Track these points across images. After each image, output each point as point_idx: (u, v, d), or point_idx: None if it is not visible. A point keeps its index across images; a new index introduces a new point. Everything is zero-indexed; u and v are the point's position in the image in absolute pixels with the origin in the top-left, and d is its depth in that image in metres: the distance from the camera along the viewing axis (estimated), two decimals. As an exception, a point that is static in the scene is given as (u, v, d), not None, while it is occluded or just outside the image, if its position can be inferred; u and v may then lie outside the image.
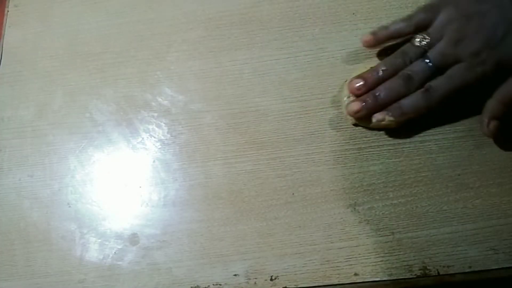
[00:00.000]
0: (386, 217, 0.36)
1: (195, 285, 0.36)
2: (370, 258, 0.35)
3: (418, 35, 0.38)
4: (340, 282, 0.35)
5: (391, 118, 0.37)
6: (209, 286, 0.36)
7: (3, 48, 0.47)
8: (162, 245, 0.37)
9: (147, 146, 0.41)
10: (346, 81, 0.40)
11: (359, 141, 0.39)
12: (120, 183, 0.40)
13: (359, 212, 0.36)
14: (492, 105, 0.36)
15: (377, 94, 0.37)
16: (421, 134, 0.38)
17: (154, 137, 0.41)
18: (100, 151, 0.41)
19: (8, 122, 0.43)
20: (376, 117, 0.37)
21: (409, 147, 0.38)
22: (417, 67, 0.37)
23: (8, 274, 0.38)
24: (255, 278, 0.36)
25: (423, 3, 0.40)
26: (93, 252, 0.38)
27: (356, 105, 0.37)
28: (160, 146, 0.41)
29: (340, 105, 0.40)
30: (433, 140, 0.38)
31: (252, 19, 0.45)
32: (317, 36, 0.43)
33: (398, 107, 0.37)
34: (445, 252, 0.35)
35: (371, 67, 0.39)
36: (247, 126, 0.40)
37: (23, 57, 0.46)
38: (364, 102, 0.37)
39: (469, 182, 0.36)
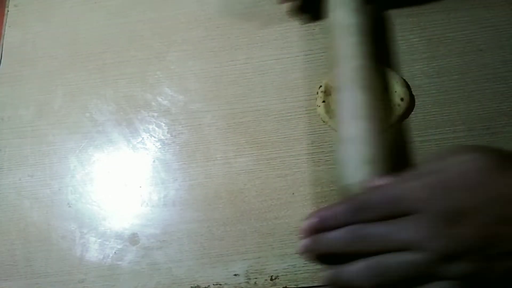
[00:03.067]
0: (386, 217, 0.36)
1: (195, 285, 0.36)
2: (370, 258, 0.35)
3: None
4: (340, 282, 0.35)
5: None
6: (209, 286, 0.36)
7: (3, 48, 0.47)
8: (162, 245, 0.37)
9: (147, 146, 0.41)
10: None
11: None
12: (120, 183, 0.40)
13: (359, 212, 0.36)
14: None
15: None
16: (421, 134, 0.38)
17: (154, 137, 0.41)
18: (100, 151, 0.41)
19: (8, 122, 0.43)
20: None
21: (409, 147, 0.38)
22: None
23: (8, 274, 0.38)
24: (255, 278, 0.36)
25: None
26: (93, 252, 0.38)
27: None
28: (160, 146, 0.41)
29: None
30: (433, 140, 0.38)
31: (252, 19, 0.45)
32: (317, 36, 0.43)
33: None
34: (445, 252, 0.35)
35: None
36: (247, 126, 0.40)
37: (23, 57, 0.46)
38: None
39: (469, 182, 0.36)
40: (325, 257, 0.28)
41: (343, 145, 0.33)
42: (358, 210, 0.27)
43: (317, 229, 0.28)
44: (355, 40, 0.37)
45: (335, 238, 0.27)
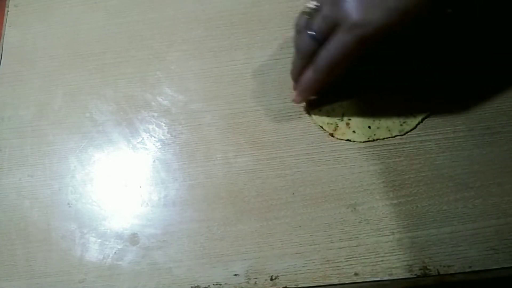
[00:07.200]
0: (386, 217, 0.36)
1: (195, 285, 0.36)
2: (370, 258, 0.35)
3: (309, 2, 0.35)
4: (340, 282, 0.35)
5: (300, 97, 0.39)
6: (209, 286, 0.36)
7: (3, 48, 0.47)
8: (162, 245, 0.37)
9: (147, 146, 0.41)
10: None
11: (359, 140, 0.39)
12: (120, 183, 0.40)
13: (359, 212, 0.36)
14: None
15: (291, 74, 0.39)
16: (421, 134, 0.38)
17: (154, 137, 0.41)
18: (100, 151, 0.41)
19: (8, 122, 0.43)
20: (293, 98, 0.39)
21: (409, 147, 0.38)
22: (302, 39, 0.35)
23: (8, 274, 0.38)
24: (255, 278, 0.36)
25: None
26: (93, 252, 0.38)
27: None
28: (160, 146, 0.41)
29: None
30: (433, 140, 0.38)
31: (252, 19, 0.45)
32: (317, 36, 0.43)
33: (299, 84, 0.38)
34: (445, 252, 0.35)
35: None
36: (247, 126, 0.40)
37: (23, 57, 0.46)
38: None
39: (469, 182, 0.36)
40: None
41: None
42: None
43: None
44: None
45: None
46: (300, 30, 0.36)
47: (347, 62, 0.34)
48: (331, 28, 0.33)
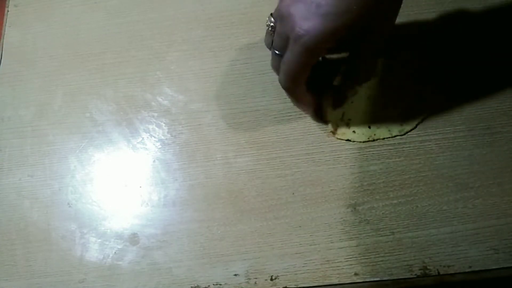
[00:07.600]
0: (386, 217, 0.36)
1: (195, 285, 0.36)
2: (370, 258, 0.35)
3: (268, 21, 0.36)
4: (340, 282, 0.35)
5: (304, 109, 0.39)
6: (209, 286, 0.36)
7: (3, 48, 0.47)
8: (162, 245, 0.37)
9: (147, 146, 0.41)
10: None
11: (359, 140, 0.39)
12: (120, 183, 0.40)
13: (359, 212, 0.36)
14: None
15: None
16: (421, 134, 0.38)
17: (154, 137, 0.41)
18: (100, 151, 0.41)
19: (8, 122, 0.43)
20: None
21: (409, 147, 0.38)
22: (272, 60, 0.37)
23: (8, 274, 0.38)
24: (255, 278, 0.36)
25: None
26: (93, 252, 0.38)
27: None
28: (160, 146, 0.41)
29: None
30: (433, 140, 0.38)
31: (252, 19, 0.45)
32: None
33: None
34: (445, 252, 0.35)
35: None
36: (247, 126, 0.40)
37: (23, 57, 0.46)
38: None
39: (469, 182, 0.36)
40: None
41: None
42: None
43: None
44: None
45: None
46: (269, 47, 0.37)
47: (305, 70, 0.35)
48: (286, 42, 0.34)
